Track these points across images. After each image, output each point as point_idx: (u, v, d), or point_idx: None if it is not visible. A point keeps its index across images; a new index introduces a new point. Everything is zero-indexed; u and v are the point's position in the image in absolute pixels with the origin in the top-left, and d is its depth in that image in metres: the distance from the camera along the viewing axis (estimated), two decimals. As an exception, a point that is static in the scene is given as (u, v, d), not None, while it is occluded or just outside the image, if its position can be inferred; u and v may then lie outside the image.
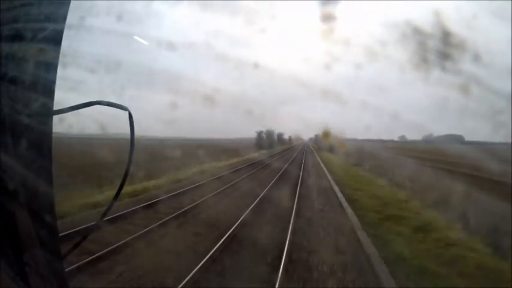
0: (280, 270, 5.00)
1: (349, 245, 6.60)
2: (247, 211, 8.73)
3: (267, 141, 48.43)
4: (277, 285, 4.55)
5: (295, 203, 9.81)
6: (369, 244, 6.50)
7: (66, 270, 1.10)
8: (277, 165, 22.03)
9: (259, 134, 47.37)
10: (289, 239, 6.57)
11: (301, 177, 16.17)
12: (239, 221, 7.71)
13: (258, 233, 7.09)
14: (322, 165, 24.33)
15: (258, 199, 10.30)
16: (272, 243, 6.46)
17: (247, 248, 6.28)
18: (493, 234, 6.95)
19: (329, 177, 17.36)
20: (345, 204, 10.32)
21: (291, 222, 7.79)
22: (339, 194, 12.06)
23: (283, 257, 5.53)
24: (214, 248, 5.82)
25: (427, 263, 5.60)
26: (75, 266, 4.68)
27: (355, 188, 13.52)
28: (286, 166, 21.79)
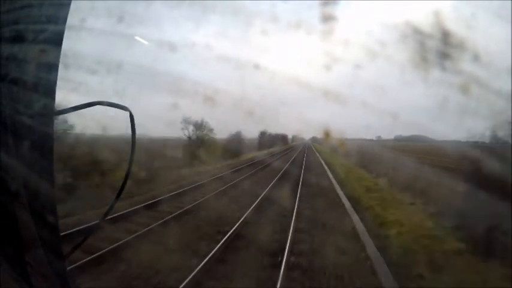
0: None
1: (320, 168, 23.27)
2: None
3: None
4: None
5: (305, 153, 38.50)
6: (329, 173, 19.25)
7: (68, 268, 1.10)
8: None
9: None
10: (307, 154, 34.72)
11: (306, 152, 43.15)
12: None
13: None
14: (315, 150, 48.79)
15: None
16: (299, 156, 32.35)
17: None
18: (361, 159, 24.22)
19: (315, 151, 45.16)
20: (323, 162, 27.45)
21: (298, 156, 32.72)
22: (320, 157, 32.90)
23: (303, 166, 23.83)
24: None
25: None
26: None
27: (327, 156, 32.90)
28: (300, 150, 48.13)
